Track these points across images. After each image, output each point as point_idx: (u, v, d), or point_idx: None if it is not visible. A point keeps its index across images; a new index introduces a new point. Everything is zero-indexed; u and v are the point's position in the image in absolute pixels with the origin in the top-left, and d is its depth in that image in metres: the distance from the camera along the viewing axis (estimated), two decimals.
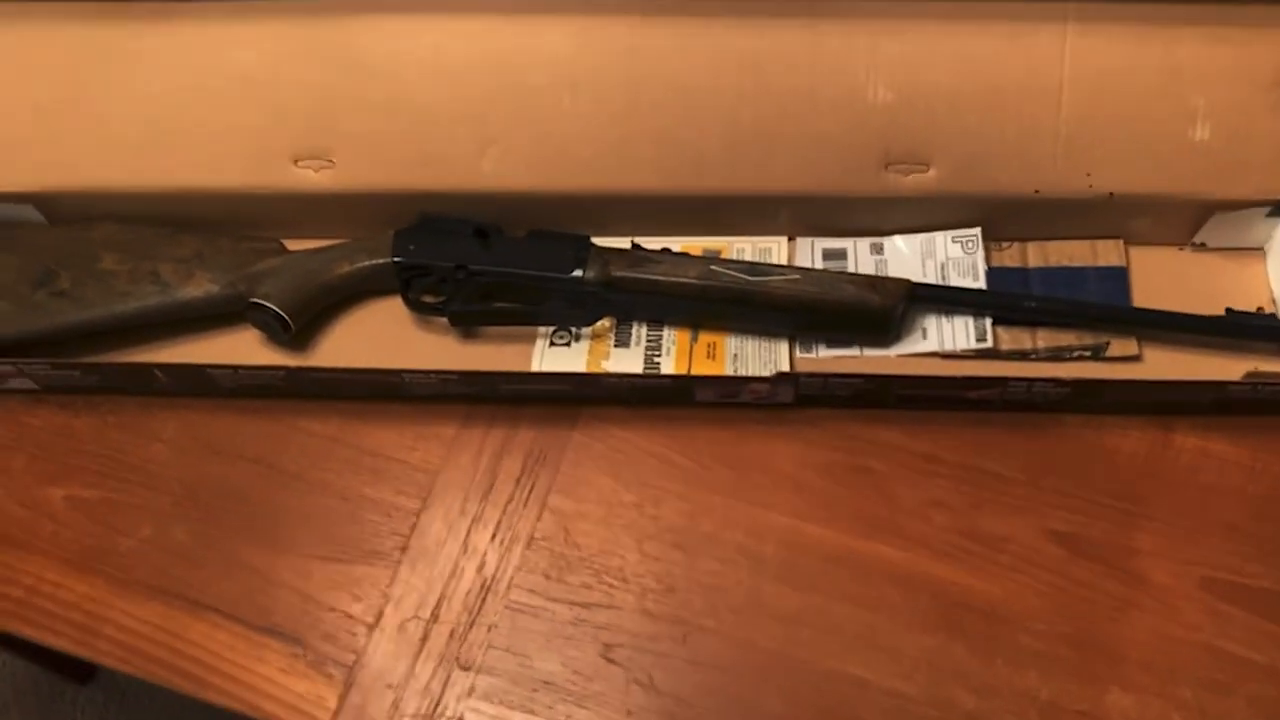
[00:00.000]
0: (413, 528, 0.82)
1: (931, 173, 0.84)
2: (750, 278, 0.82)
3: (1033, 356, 0.83)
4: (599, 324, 0.86)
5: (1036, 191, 0.83)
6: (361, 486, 0.84)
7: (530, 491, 0.83)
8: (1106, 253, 0.86)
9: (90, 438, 0.87)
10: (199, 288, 0.86)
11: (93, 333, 0.86)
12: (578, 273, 0.84)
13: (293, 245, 0.91)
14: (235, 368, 0.83)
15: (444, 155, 0.86)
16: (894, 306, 0.81)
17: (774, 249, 0.89)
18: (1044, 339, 0.83)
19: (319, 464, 0.85)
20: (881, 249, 0.88)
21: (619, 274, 0.83)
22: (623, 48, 0.84)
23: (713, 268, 0.82)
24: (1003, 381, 0.79)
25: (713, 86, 0.84)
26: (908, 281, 0.82)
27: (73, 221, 0.90)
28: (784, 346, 0.84)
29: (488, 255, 0.86)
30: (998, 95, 0.82)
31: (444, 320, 0.86)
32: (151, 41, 0.86)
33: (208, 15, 0.85)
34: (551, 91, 0.85)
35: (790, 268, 0.83)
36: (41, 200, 0.89)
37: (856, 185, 0.84)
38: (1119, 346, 0.82)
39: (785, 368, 0.83)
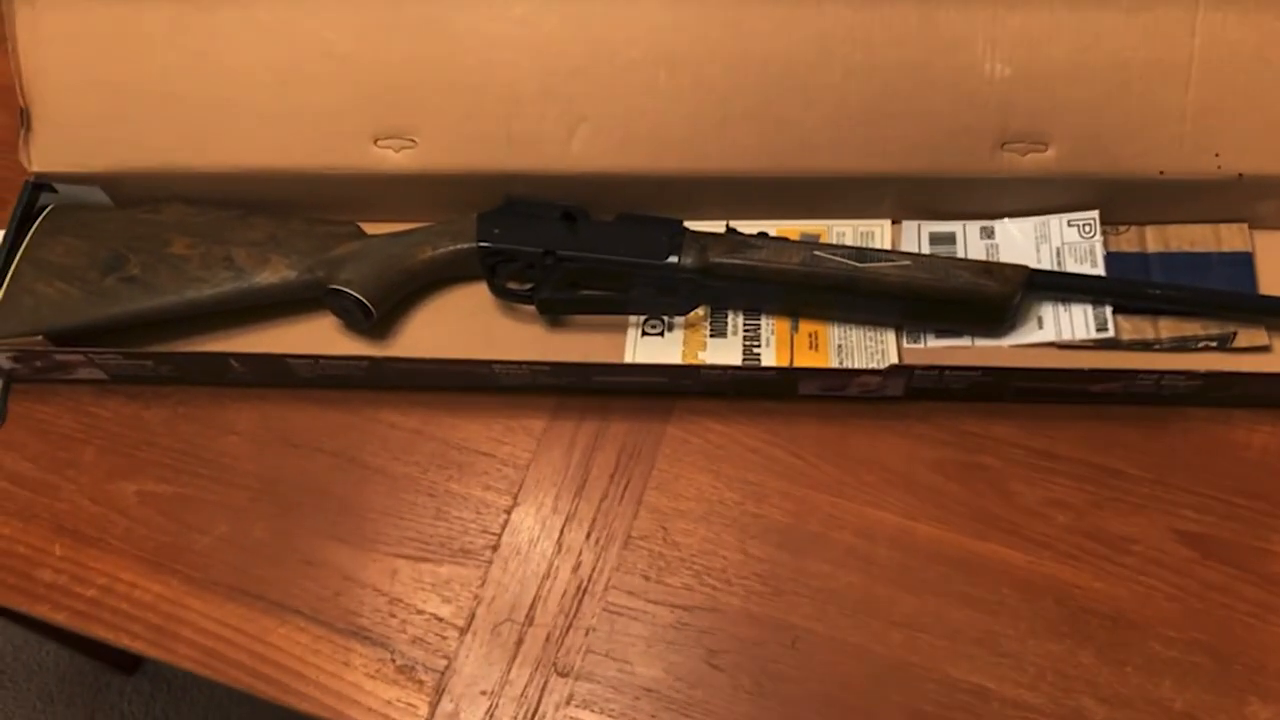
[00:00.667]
0: (504, 525, 0.78)
1: (1050, 152, 0.79)
2: (857, 264, 0.77)
3: (1156, 347, 0.79)
4: (693, 313, 0.82)
5: (1161, 172, 0.79)
6: (448, 482, 0.80)
7: (625, 488, 0.79)
8: (1230, 237, 0.82)
9: (161, 430, 0.83)
10: (275, 273, 0.82)
11: (164, 320, 0.83)
12: (673, 258, 0.80)
13: (369, 229, 0.87)
14: (316, 358, 0.79)
15: (531, 134, 0.82)
16: (1011, 294, 0.76)
17: (877, 232, 0.85)
18: (1167, 328, 0.79)
19: (402, 458, 0.81)
20: (992, 233, 0.83)
21: (717, 260, 0.79)
22: (722, 21, 0.80)
23: (816, 253, 0.78)
24: (1130, 375, 0.74)
25: (818, 62, 0.79)
26: (1025, 267, 0.77)
27: (140, 204, 0.87)
28: (891, 336, 0.80)
29: (576, 240, 0.82)
30: (1122, 71, 0.78)
31: (530, 308, 0.83)
32: (226, 14, 0.82)
33: None
34: (646, 68, 0.80)
35: (898, 253, 0.79)
36: (107, 181, 0.86)
37: (971, 165, 0.80)
38: (1247, 336, 0.78)
39: (894, 360, 0.78)
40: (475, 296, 0.84)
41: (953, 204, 0.83)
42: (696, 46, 0.80)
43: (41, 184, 0.86)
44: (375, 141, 0.83)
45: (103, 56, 0.83)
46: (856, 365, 0.79)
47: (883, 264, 0.77)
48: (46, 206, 0.86)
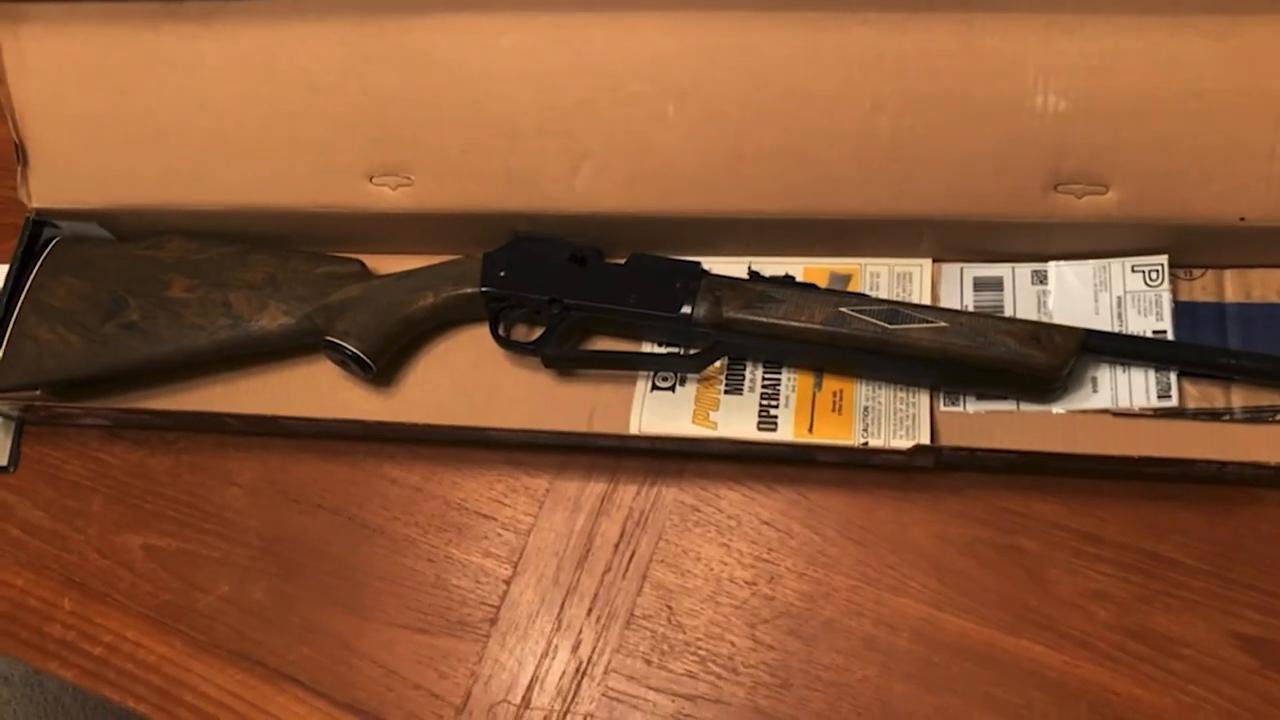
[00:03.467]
0: (503, 596, 0.75)
1: (1111, 194, 0.70)
2: (887, 325, 0.70)
3: (1226, 417, 0.69)
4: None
5: (1242, 219, 0.68)
6: (448, 546, 0.77)
7: (630, 560, 0.74)
8: None
9: (166, 479, 0.82)
10: (273, 320, 0.78)
11: (163, 368, 0.80)
12: (686, 309, 0.73)
13: (374, 261, 0.82)
14: (309, 420, 0.76)
15: (532, 172, 0.75)
16: (1060, 366, 0.68)
17: (915, 273, 0.76)
18: (1241, 396, 0.69)
19: (403, 517, 0.78)
20: (1045, 278, 0.74)
21: (733, 315, 0.72)
22: (735, 48, 0.71)
23: (842, 310, 0.70)
24: (1187, 463, 0.66)
25: (844, 94, 0.70)
26: (1079, 332, 0.68)
27: (141, 237, 0.84)
28: (925, 399, 0.72)
29: (585, 286, 0.76)
30: (1198, 103, 0.67)
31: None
32: (206, 45, 0.76)
33: (265, 15, 0.75)
34: (653, 100, 0.73)
35: (935, 310, 0.70)
36: (105, 217, 0.83)
37: (1018, 209, 0.71)
38: None
39: (925, 433, 0.70)
40: (482, 339, 0.79)
41: (1000, 245, 0.74)
42: (707, 77, 0.72)
43: (42, 220, 0.84)
44: (371, 179, 0.78)
45: (89, 89, 0.79)
46: (884, 429, 0.72)
47: (916, 325, 0.69)
48: (50, 239, 0.84)
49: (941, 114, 0.70)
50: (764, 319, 0.72)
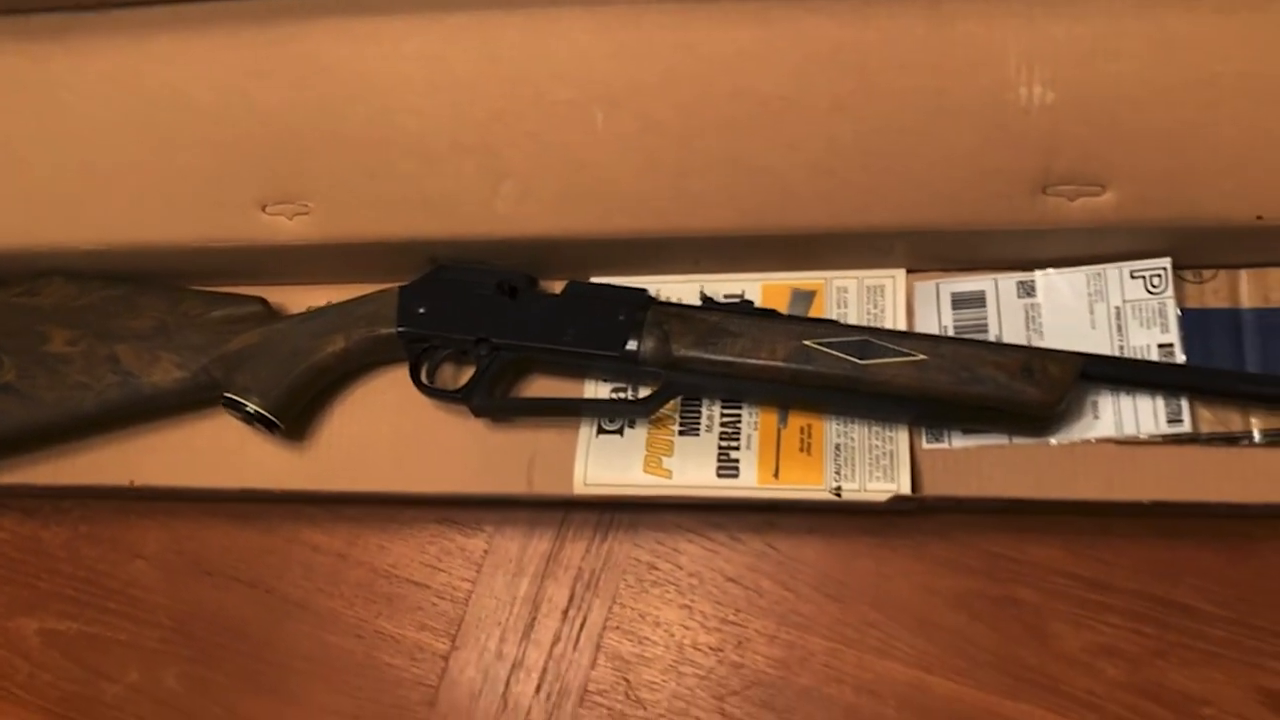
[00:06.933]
0: (441, 674, 0.67)
1: (1108, 195, 0.61)
2: (858, 360, 0.61)
3: (1244, 442, 0.61)
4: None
5: (1259, 218, 0.60)
6: (377, 619, 0.68)
7: (581, 628, 0.66)
8: None
9: (62, 554, 0.73)
10: (166, 375, 0.69)
11: (46, 434, 0.71)
12: (631, 345, 0.64)
13: (280, 294, 0.73)
14: (214, 492, 0.67)
15: (446, 195, 0.66)
16: (1055, 402, 0.59)
17: (888, 286, 0.68)
18: (1260, 418, 0.61)
19: (326, 589, 0.70)
20: (1033, 289, 0.66)
21: (684, 353, 0.63)
22: (672, 45, 0.61)
23: (807, 344, 0.62)
24: (1202, 507, 0.58)
25: (798, 94, 0.61)
26: (1076, 360, 0.60)
27: (14, 281, 0.74)
28: (904, 433, 0.64)
29: (516, 322, 0.67)
30: (1207, 90, 0.58)
31: None
32: (60, 64, 0.67)
33: (128, 28, 0.65)
34: (580, 108, 0.63)
35: (913, 339, 0.61)
36: None
37: (1002, 217, 0.62)
38: None
39: (906, 475, 0.62)
40: (405, 381, 0.70)
41: (981, 252, 0.65)
42: (641, 80, 0.62)
43: None
44: (264, 208, 0.68)
45: None
46: (859, 471, 0.63)
47: (891, 360, 0.61)
48: None
49: (911, 113, 0.60)
50: (719, 357, 0.63)
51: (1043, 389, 0.59)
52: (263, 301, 0.72)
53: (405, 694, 0.67)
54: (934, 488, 0.62)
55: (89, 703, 0.69)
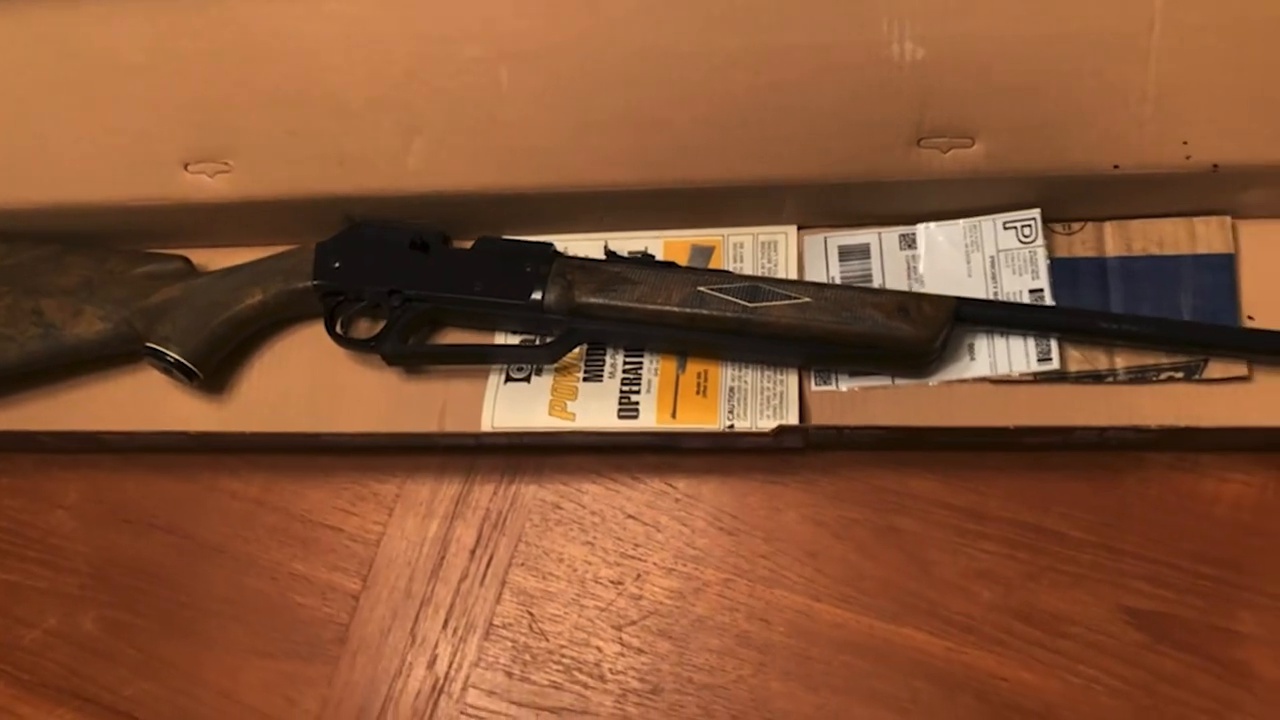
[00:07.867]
0: (352, 613, 0.69)
1: (978, 147, 0.65)
2: (748, 304, 0.65)
3: (1109, 379, 0.65)
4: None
5: (1116, 167, 0.64)
6: (292, 561, 0.71)
7: (487, 566, 0.69)
8: (1208, 235, 0.67)
9: None
10: (89, 327, 0.72)
11: None
12: (536, 295, 0.67)
13: (202, 256, 0.76)
14: (130, 434, 0.69)
15: (364, 151, 0.69)
16: (931, 339, 0.63)
17: (780, 241, 0.72)
18: (1124, 357, 0.65)
19: (242, 533, 0.72)
20: (914, 241, 0.70)
21: (586, 299, 0.67)
22: (574, 5, 0.65)
23: (701, 289, 0.65)
24: (1066, 431, 0.62)
25: (696, 51, 0.65)
26: (950, 301, 0.64)
27: None
28: (793, 377, 0.67)
29: (427, 275, 0.70)
30: (1066, 45, 0.62)
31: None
32: None
33: None
34: (486, 66, 0.67)
35: (799, 285, 0.65)
36: None
37: (880, 168, 0.66)
38: (1221, 365, 0.64)
39: (794, 413, 0.66)
40: (321, 337, 0.72)
41: (866, 206, 0.69)
42: (545, 38, 0.66)
43: None
44: (186, 167, 0.71)
45: None
46: (750, 411, 0.67)
47: (778, 303, 0.64)
48: None
49: (796, 69, 0.65)
50: (619, 303, 0.66)
51: (917, 327, 0.63)
52: (186, 260, 0.75)
53: (317, 632, 0.69)
54: (820, 420, 0.66)
55: (6, 648, 0.71)
